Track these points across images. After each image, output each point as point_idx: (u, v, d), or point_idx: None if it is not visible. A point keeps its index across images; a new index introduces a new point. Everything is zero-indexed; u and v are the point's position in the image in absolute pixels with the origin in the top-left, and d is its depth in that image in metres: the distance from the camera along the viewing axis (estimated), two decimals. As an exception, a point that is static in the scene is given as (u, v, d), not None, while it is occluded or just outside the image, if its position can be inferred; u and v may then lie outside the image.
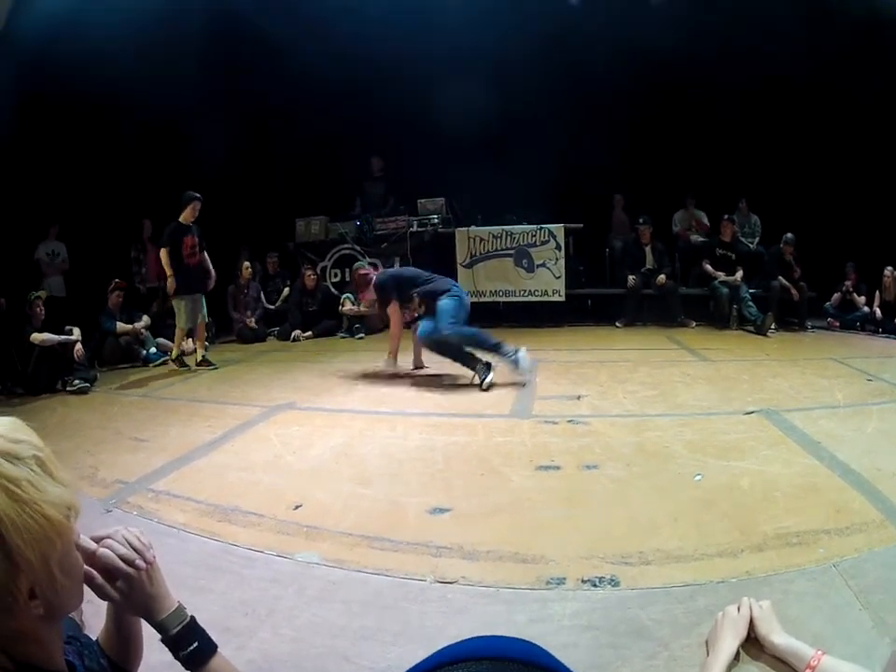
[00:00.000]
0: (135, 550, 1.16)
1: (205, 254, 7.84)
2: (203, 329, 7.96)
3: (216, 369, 7.61)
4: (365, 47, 10.04)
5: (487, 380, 5.89)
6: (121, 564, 1.13)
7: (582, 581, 2.56)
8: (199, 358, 7.78)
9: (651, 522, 3.04)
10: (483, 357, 6.09)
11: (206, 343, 8.97)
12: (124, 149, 9.13)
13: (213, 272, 7.96)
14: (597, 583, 2.54)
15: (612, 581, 2.55)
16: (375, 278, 6.69)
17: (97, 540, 1.14)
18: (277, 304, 10.59)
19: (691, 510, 3.15)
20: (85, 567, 1.07)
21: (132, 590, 1.15)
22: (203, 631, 1.25)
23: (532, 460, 3.92)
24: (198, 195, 7.58)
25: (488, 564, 2.73)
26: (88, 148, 8.98)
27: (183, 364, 7.68)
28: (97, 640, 1.27)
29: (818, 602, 2.33)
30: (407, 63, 10.06)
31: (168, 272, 7.48)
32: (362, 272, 6.88)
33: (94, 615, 1.12)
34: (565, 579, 2.58)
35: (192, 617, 1.24)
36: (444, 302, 6.17)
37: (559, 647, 2.10)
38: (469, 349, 6.12)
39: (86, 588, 1.09)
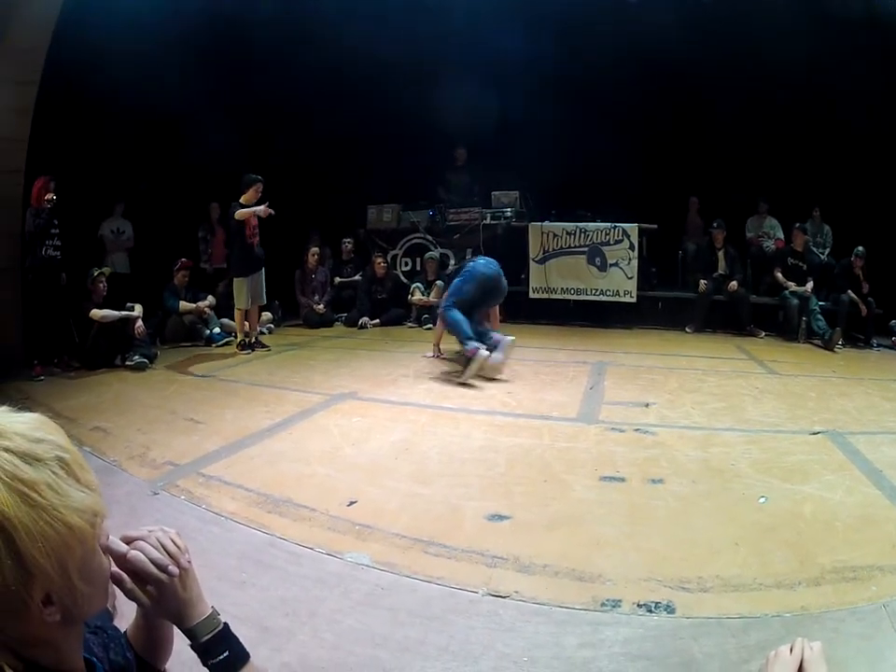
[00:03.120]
0: (170, 554, 1.10)
1: None
2: (257, 311, 8.16)
3: (268, 350, 7.77)
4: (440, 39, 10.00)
5: (487, 356, 6.10)
6: (153, 569, 1.08)
7: (638, 605, 2.54)
8: (252, 339, 7.89)
9: (711, 545, 3.00)
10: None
11: (271, 325, 9.10)
12: (197, 132, 9.13)
13: None
14: (653, 609, 2.52)
15: (668, 607, 2.52)
16: None
17: (129, 541, 1.09)
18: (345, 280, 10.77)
19: (753, 535, 3.10)
20: (114, 569, 1.03)
21: (162, 595, 1.09)
22: (236, 639, 1.17)
23: (597, 469, 3.89)
24: (260, 177, 7.70)
25: (544, 579, 2.72)
26: (156, 130, 9.10)
27: (245, 347, 7.75)
28: (125, 632, 1.23)
29: (863, 644, 2.28)
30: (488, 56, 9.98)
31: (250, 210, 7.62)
32: None
33: (127, 602, 1.10)
34: (620, 601, 2.56)
35: (225, 624, 1.16)
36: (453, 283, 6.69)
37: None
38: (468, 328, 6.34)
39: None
